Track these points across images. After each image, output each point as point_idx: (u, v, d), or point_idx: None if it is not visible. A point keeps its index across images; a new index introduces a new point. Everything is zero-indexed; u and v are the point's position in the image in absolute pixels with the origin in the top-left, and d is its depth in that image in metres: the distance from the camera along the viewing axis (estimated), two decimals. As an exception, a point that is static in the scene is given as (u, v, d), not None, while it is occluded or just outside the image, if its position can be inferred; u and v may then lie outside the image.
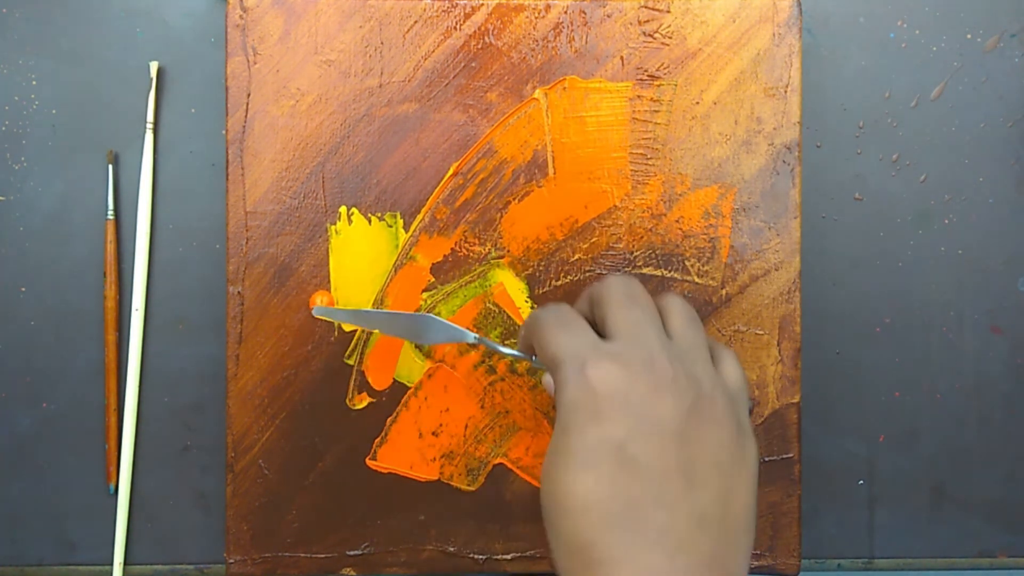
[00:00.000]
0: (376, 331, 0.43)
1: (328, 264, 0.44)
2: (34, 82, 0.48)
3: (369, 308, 0.44)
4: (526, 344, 0.37)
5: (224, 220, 0.45)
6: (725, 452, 0.32)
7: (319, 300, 0.43)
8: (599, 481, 0.30)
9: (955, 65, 0.49)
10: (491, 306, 0.45)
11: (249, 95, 0.44)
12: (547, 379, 0.36)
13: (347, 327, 0.44)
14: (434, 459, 0.45)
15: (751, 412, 0.37)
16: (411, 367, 0.45)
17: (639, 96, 0.45)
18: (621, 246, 0.45)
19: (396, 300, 0.45)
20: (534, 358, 0.38)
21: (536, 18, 0.44)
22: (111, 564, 0.47)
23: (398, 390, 0.45)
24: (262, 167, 0.44)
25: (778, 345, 0.45)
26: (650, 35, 0.45)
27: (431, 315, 0.42)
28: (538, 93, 0.44)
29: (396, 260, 0.45)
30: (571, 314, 0.35)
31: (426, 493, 0.45)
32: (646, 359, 0.32)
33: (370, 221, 0.44)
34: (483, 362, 0.45)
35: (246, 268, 0.44)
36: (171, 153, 0.48)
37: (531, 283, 0.45)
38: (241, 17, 0.44)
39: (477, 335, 0.40)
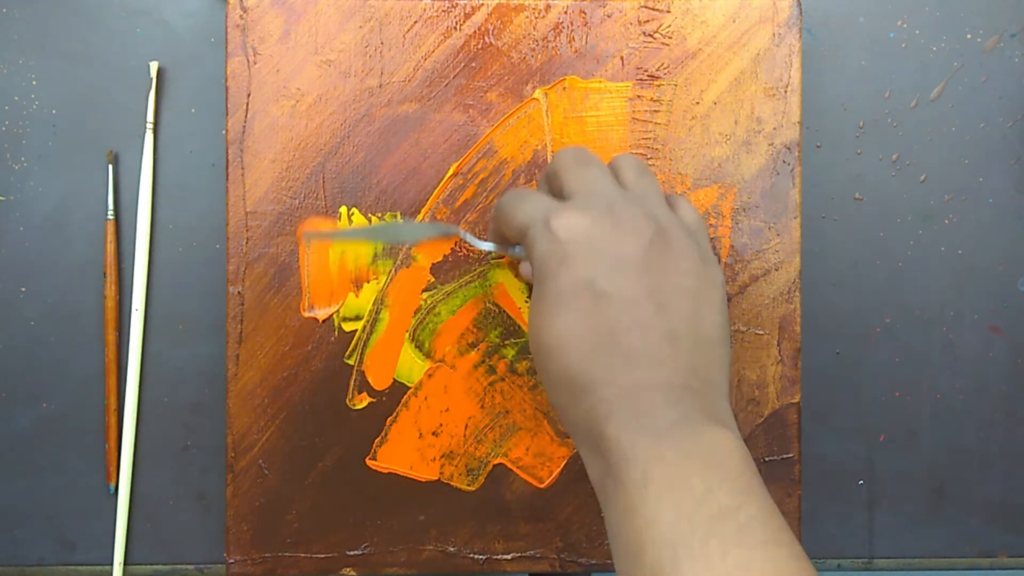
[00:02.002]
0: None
1: (328, 263, 0.44)
2: (34, 82, 0.48)
3: (370, 305, 0.45)
4: (498, 236, 0.40)
5: (224, 220, 0.45)
6: (689, 278, 0.34)
7: (312, 225, 0.44)
8: (575, 318, 0.33)
9: (955, 65, 0.49)
10: (491, 306, 0.45)
11: (249, 95, 0.44)
12: (525, 267, 0.40)
13: (348, 327, 0.44)
14: (434, 459, 0.45)
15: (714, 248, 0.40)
16: (411, 367, 0.45)
17: (639, 96, 0.45)
18: (621, 246, 0.45)
19: (396, 300, 0.45)
20: (513, 249, 0.40)
21: (536, 18, 0.44)
22: (111, 564, 0.47)
23: (398, 390, 0.45)
24: (262, 167, 0.44)
25: (778, 345, 0.45)
26: (650, 35, 0.45)
27: (408, 219, 0.43)
28: (538, 93, 0.44)
29: (396, 260, 0.45)
30: (526, 189, 0.38)
31: (426, 493, 0.45)
32: (603, 206, 0.35)
33: (370, 221, 0.44)
34: (483, 362, 0.45)
35: (246, 268, 0.44)
36: (171, 153, 0.48)
37: (531, 283, 0.45)
38: (241, 17, 0.44)
39: (458, 228, 0.41)
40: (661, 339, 0.33)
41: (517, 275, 0.45)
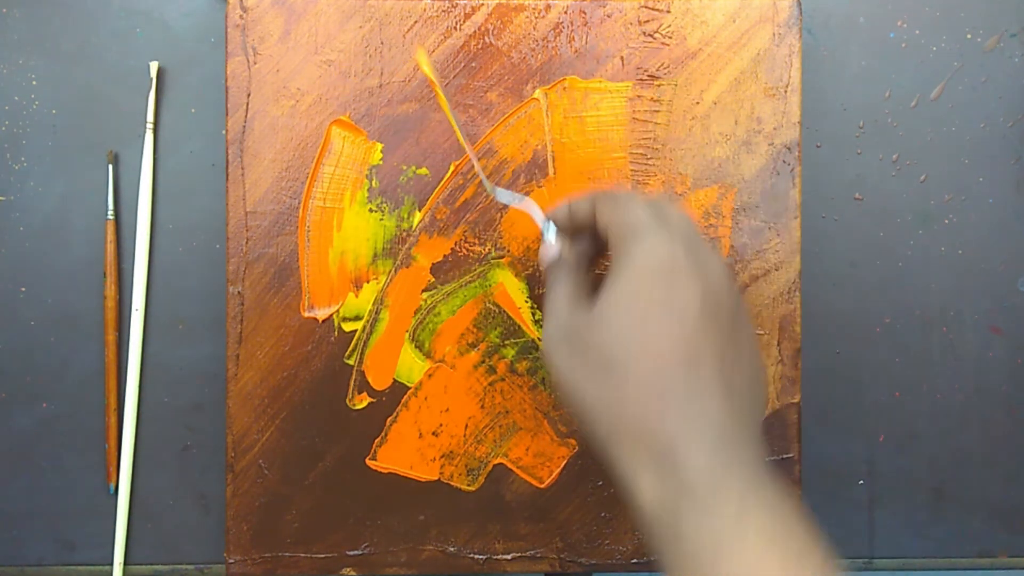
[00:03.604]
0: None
1: (328, 263, 0.44)
2: (34, 82, 0.48)
3: (370, 305, 0.45)
4: (581, 216, 0.38)
5: (224, 220, 0.45)
6: (752, 344, 0.35)
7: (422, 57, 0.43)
8: (682, 329, 0.33)
9: (955, 65, 0.49)
10: (491, 306, 0.45)
11: (249, 95, 0.44)
12: (548, 248, 0.38)
13: (348, 327, 0.44)
14: (434, 459, 0.45)
15: None
16: (411, 367, 0.45)
17: (639, 96, 0.45)
18: (621, 246, 0.45)
19: (396, 300, 0.45)
20: (548, 230, 0.39)
21: (536, 18, 0.44)
22: (111, 564, 0.47)
23: (398, 390, 0.45)
24: (262, 167, 0.44)
25: (778, 345, 0.45)
26: (650, 35, 0.45)
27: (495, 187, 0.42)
28: (538, 93, 0.44)
29: (396, 260, 0.45)
30: (648, 203, 0.37)
31: (426, 493, 0.45)
32: (709, 252, 0.35)
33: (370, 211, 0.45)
34: (483, 362, 0.45)
35: (246, 268, 0.44)
36: (171, 153, 0.48)
37: (531, 283, 0.45)
38: (241, 17, 0.44)
39: (528, 198, 0.41)
40: (728, 385, 0.33)
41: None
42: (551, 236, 0.39)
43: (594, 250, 0.39)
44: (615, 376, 0.33)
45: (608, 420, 0.33)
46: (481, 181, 0.41)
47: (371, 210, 0.45)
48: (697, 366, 0.32)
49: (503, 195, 0.41)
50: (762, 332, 0.45)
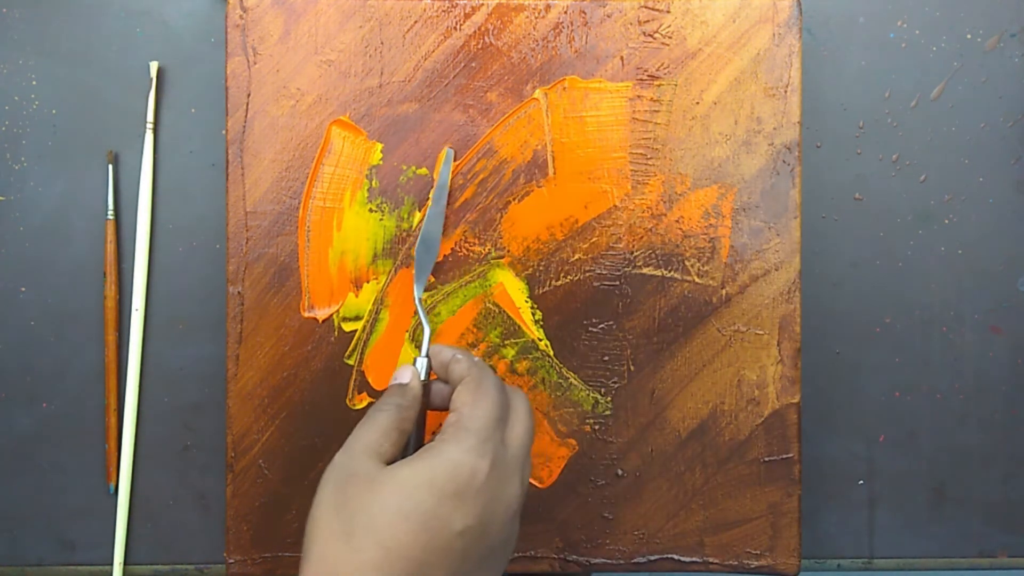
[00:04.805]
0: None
1: (328, 263, 0.44)
2: (34, 82, 0.48)
3: (369, 305, 0.45)
4: (445, 374, 0.38)
5: (224, 220, 0.45)
6: (510, 547, 0.36)
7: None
8: (427, 545, 0.33)
9: (955, 65, 0.49)
10: (491, 306, 0.45)
11: (249, 95, 0.44)
12: (407, 372, 0.38)
13: (348, 327, 0.44)
14: (434, 459, 0.45)
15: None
16: (411, 367, 0.45)
17: (639, 96, 0.45)
18: (621, 246, 0.45)
19: (396, 300, 0.45)
20: (421, 361, 0.38)
21: (536, 18, 0.44)
22: (111, 564, 0.47)
23: (398, 390, 0.45)
24: (262, 167, 0.44)
25: (778, 345, 0.45)
26: (650, 35, 0.45)
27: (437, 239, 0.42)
28: (538, 93, 0.44)
29: (396, 260, 0.45)
30: (507, 408, 0.37)
31: (426, 493, 0.45)
32: (514, 486, 0.35)
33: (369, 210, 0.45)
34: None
35: (246, 268, 0.44)
36: (171, 153, 0.48)
37: (531, 283, 0.45)
38: (241, 17, 0.44)
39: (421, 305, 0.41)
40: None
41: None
42: (418, 365, 0.38)
43: (441, 406, 0.38)
44: (349, 547, 0.33)
45: (319, 564, 0.33)
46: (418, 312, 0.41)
47: (371, 210, 0.45)
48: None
49: (420, 308, 0.41)
50: (762, 332, 0.45)
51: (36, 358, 0.48)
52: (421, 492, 0.33)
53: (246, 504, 0.45)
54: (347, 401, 0.45)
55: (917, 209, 0.49)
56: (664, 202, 0.45)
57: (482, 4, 0.44)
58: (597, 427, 0.45)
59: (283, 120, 0.44)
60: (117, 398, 0.47)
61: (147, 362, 0.48)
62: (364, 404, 0.45)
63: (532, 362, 0.45)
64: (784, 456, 0.45)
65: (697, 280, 0.45)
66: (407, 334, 0.45)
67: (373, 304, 0.45)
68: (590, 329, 0.45)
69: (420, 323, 0.40)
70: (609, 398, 0.45)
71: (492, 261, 0.45)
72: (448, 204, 0.45)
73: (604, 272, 0.45)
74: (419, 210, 0.45)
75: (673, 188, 0.45)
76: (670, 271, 0.45)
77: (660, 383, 0.45)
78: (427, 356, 0.38)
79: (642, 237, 0.45)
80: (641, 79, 0.45)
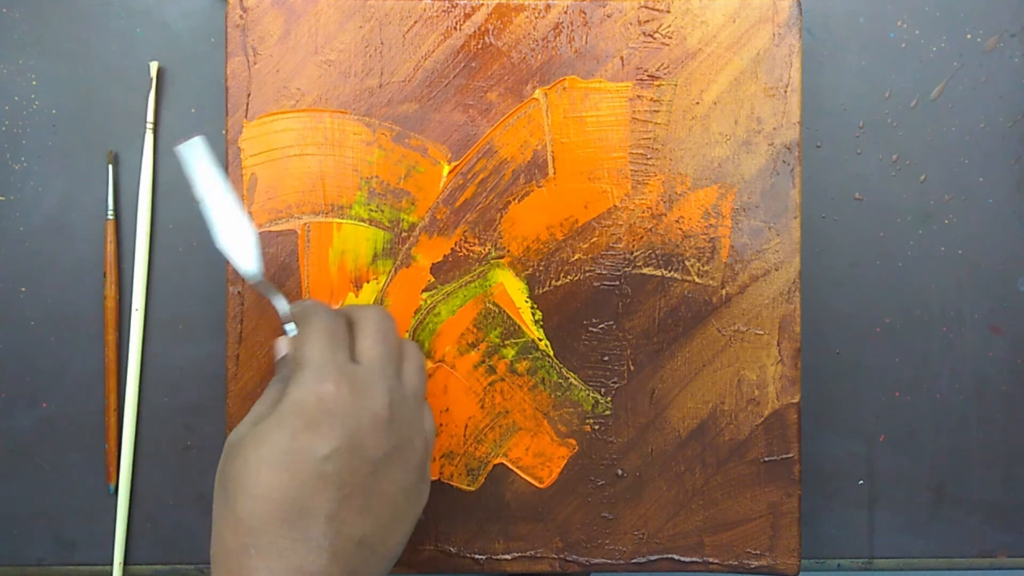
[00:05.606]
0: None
1: (328, 263, 0.44)
2: (34, 82, 0.48)
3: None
4: (289, 317, 0.39)
5: (224, 220, 0.45)
6: (403, 494, 0.36)
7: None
8: (291, 482, 0.33)
9: (955, 65, 0.49)
10: (491, 306, 0.45)
11: (249, 95, 0.44)
12: (281, 343, 0.38)
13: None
14: (434, 459, 0.45)
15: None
16: (411, 367, 0.45)
17: (639, 96, 0.45)
18: (621, 246, 0.45)
19: (396, 300, 0.45)
20: (289, 327, 0.38)
21: (536, 18, 0.44)
22: (111, 564, 0.47)
23: (398, 390, 0.45)
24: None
25: (778, 345, 0.45)
26: (650, 35, 0.45)
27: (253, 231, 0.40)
28: (538, 93, 0.45)
29: (396, 260, 0.45)
30: (342, 330, 0.37)
31: (426, 493, 0.45)
32: (375, 395, 0.36)
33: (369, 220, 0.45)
34: (483, 362, 0.45)
35: (246, 268, 0.44)
36: (171, 153, 0.48)
37: (531, 283, 0.45)
38: (241, 17, 0.44)
39: (258, 274, 0.39)
40: (349, 540, 0.34)
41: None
42: (291, 330, 0.38)
43: None
44: (228, 510, 0.34)
45: (215, 545, 0.34)
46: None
47: (371, 210, 0.45)
48: (302, 523, 0.33)
49: (261, 286, 0.40)
50: (762, 332, 0.45)
51: (36, 358, 0.48)
52: (274, 435, 0.34)
53: (246, 504, 0.44)
54: (347, 401, 0.45)
55: (917, 209, 0.49)
56: (664, 202, 0.45)
57: (482, 4, 0.44)
58: (597, 427, 0.45)
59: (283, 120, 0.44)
60: (117, 398, 0.47)
61: (147, 362, 0.48)
62: (364, 404, 0.45)
63: (532, 362, 0.45)
64: (784, 456, 0.45)
65: (697, 280, 0.45)
66: (407, 334, 0.45)
67: (373, 304, 0.45)
68: (590, 329, 0.45)
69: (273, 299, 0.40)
70: (609, 398, 0.45)
71: (492, 261, 0.45)
72: (448, 204, 0.45)
73: (604, 272, 0.45)
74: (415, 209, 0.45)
75: (673, 188, 0.45)
76: (670, 271, 0.45)
77: (660, 383, 0.45)
78: (292, 321, 0.38)
79: (642, 237, 0.45)
80: (641, 79, 0.45)
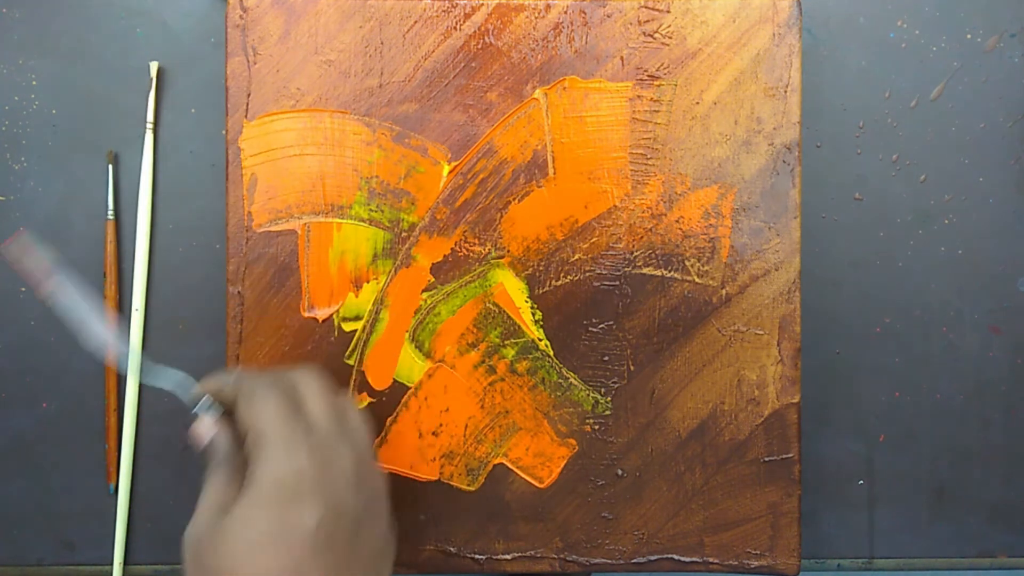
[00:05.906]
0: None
1: (328, 263, 0.44)
2: (34, 82, 0.48)
3: (369, 305, 0.44)
4: (228, 402, 0.38)
5: (224, 220, 0.45)
6: (382, 541, 0.37)
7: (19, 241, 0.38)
8: (288, 558, 0.33)
9: (955, 65, 0.49)
10: (491, 306, 0.45)
11: (249, 95, 0.44)
12: (203, 427, 0.38)
13: (347, 327, 0.44)
14: (434, 459, 0.45)
15: None
16: (411, 367, 0.45)
17: (639, 96, 0.45)
18: (621, 246, 0.45)
19: (396, 300, 0.45)
20: (202, 408, 0.38)
21: (536, 18, 0.44)
22: (111, 564, 0.47)
23: (398, 390, 0.45)
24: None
25: (778, 345, 0.45)
26: (650, 35, 0.45)
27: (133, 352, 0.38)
28: (538, 93, 0.45)
29: (396, 260, 0.45)
30: (289, 398, 0.37)
31: (426, 493, 0.45)
32: (341, 457, 0.36)
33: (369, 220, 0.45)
34: (483, 362, 0.45)
35: (246, 268, 0.44)
36: (171, 153, 0.48)
37: (531, 283, 0.45)
38: (241, 17, 0.44)
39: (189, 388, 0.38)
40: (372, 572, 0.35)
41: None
42: (206, 413, 0.38)
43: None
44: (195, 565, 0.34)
45: None
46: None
47: (371, 210, 0.45)
48: None
49: (154, 377, 0.39)
50: (762, 332, 0.45)
51: (36, 358, 0.48)
52: (258, 517, 0.33)
53: (246, 504, 0.44)
54: (347, 401, 0.45)
55: (917, 209, 0.49)
56: (664, 202, 0.45)
57: (482, 4, 0.44)
58: (597, 427, 0.45)
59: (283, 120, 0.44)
60: (117, 398, 0.47)
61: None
62: (364, 404, 0.45)
63: (532, 362, 0.45)
64: (784, 456, 0.45)
65: (697, 280, 0.45)
66: (407, 334, 0.45)
67: (373, 304, 0.45)
68: (590, 329, 0.45)
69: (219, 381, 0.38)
70: (609, 398, 0.45)
71: (492, 261, 0.45)
72: (448, 204, 0.45)
73: (604, 272, 0.45)
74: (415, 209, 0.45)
75: (673, 188, 0.45)
76: (670, 271, 0.45)
77: (660, 383, 0.45)
78: (205, 397, 0.38)
79: (642, 237, 0.45)
80: (641, 79, 0.45)
